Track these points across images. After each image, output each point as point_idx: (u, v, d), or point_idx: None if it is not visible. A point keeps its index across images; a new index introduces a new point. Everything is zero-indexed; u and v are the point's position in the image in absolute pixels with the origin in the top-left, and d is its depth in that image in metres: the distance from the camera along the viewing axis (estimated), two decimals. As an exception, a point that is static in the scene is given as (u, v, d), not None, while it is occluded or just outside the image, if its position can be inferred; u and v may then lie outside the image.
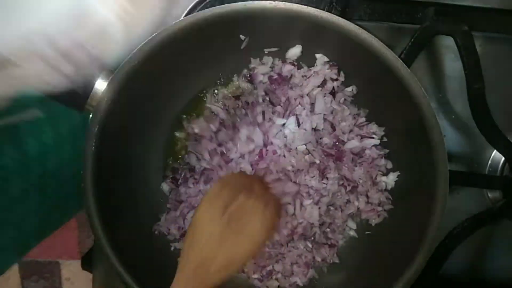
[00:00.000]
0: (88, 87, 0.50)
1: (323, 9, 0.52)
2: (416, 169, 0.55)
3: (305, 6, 0.50)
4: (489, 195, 0.63)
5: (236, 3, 0.51)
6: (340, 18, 0.50)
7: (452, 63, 0.60)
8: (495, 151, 0.61)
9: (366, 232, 0.61)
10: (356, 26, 0.50)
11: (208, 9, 0.51)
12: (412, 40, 0.54)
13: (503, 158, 0.60)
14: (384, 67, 0.50)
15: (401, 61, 0.49)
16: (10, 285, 1.59)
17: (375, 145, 0.58)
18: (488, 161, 0.62)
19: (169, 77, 0.57)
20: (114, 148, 0.55)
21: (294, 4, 0.50)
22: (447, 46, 0.59)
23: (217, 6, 0.51)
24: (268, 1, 0.50)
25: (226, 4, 0.51)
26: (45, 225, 0.71)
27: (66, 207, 0.75)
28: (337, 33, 0.50)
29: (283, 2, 0.50)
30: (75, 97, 0.50)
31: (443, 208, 0.50)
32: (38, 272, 1.58)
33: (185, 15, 0.58)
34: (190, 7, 0.58)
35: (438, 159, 0.50)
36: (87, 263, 0.67)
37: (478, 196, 0.63)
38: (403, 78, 0.49)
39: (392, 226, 0.58)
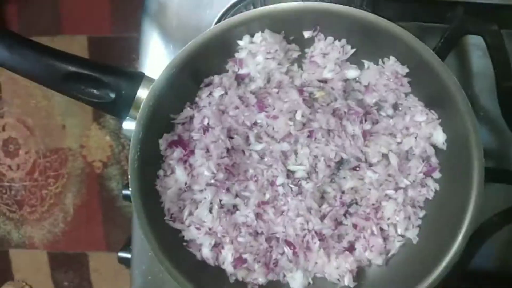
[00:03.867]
0: (130, 95, 0.52)
1: None
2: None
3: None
4: None
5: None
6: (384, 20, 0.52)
7: (479, 60, 0.61)
8: None
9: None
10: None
11: (243, 13, 0.54)
12: (442, 40, 0.55)
13: None
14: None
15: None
16: (41, 277, 1.65)
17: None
18: None
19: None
20: (156, 151, 0.58)
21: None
22: (474, 44, 0.60)
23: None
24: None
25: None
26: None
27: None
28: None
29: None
30: (119, 105, 0.53)
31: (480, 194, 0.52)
32: (67, 264, 1.63)
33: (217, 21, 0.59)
34: (222, 12, 0.60)
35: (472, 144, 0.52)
36: (125, 258, 0.71)
37: (507, 192, 0.63)
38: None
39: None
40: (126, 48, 1.42)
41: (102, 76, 0.52)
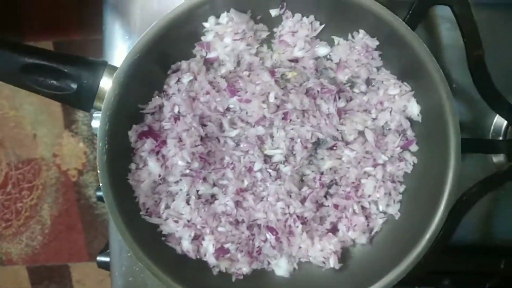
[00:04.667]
0: (93, 85, 0.50)
1: None
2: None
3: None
4: (494, 160, 0.63)
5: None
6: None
7: (449, 32, 0.60)
8: (497, 116, 0.61)
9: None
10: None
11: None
12: (410, 12, 0.55)
13: (505, 122, 0.61)
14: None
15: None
16: None
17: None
18: (491, 126, 0.63)
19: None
20: (125, 146, 0.56)
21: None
22: (443, 16, 0.59)
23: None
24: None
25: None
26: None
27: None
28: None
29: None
30: (81, 96, 0.51)
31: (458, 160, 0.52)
32: (48, 277, 1.59)
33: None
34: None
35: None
36: (104, 262, 0.68)
37: (484, 162, 0.63)
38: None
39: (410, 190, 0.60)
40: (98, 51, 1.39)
41: (62, 66, 0.49)
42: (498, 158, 0.63)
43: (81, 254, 1.55)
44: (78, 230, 1.55)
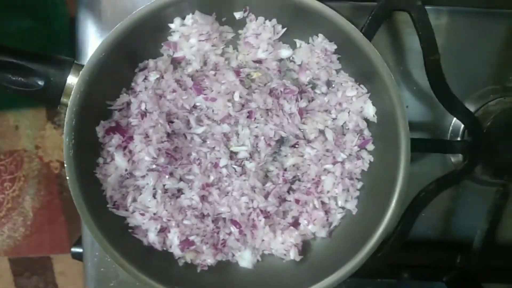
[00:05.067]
0: (60, 81, 0.52)
1: None
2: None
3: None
4: (452, 159, 0.67)
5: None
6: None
7: (410, 37, 0.63)
8: (455, 118, 0.64)
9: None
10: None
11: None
12: (370, 17, 0.57)
13: (462, 124, 0.64)
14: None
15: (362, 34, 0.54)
16: (3, 284, 1.60)
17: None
18: (450, 127, 0.66)
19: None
20: (94, 141, 0.58)
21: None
22: (405, 21, 0.62)
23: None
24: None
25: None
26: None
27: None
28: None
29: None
30: (48, 93, 0.52)
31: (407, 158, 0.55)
32: (30, 269, 1.59)
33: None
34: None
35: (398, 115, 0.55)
36: (77, 253, 0.71)
37: (442, 161, 0.67)
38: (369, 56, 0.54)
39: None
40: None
41: (29, 63, 0.51)
42: (456, 158, 0.66)
43: (63, 246, 1.55)
44: (60, 222, 1.55)
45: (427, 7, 0.57)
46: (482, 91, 0.65)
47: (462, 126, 0.64)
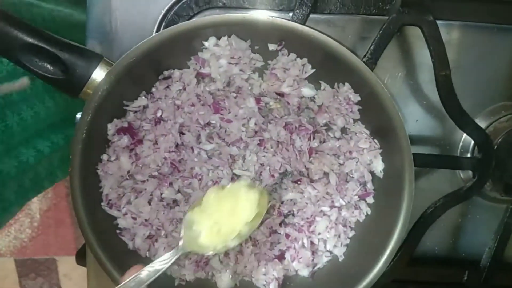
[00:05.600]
0: (85, 75, 0.53)
1: (294, 5, 0.57)
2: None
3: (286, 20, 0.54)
4: (462, 175, 0.66)
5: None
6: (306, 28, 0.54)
7: (421, 51, 0.62)
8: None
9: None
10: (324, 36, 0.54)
11: (206, 17, 0.55)
12: (380, 32, 0.56)
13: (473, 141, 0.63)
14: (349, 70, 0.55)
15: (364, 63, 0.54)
16: (8, 284, 1.60)
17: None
18: (460, 143, 0.65)
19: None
20: (102, 137, 0.59)
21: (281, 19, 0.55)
22: (416, 35, 0.61)
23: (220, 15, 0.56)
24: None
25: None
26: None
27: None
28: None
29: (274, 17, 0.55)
30: (71, 83, 0.53)
31: (411, 192, 0.55)
32: (35, 270, 1.59)
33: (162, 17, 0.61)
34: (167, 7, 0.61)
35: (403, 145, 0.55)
36: (81, 258, 0.68)
37: (452, 177, 0.66)
38: (374, 87, 0.55)
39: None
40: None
41: (60, 52, 0.51)
42: (465, 174, 0.66)
43: (69, 248, 1.56)
44: (66, 224, 1.56)
45: (438, 22, 0.56)
46: (493, 107, 0.65)
47: (473, 142, 0.63)
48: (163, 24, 0.60)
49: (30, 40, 0.51)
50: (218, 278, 0.61)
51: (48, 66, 0.52)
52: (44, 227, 1.58)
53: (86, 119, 0.54)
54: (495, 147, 0.62)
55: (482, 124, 0.62)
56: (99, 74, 0.53)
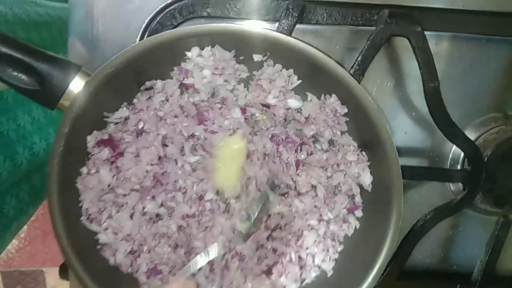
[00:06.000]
0: (61, 86, 0.51)
1: (280, 15, 0.56)
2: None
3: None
4: (452, 187, 0.65)
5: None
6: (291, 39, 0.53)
7: (409, 62, 0.62)
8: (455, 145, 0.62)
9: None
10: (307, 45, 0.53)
11: (188, 27, 0.54)
12: (368, 42, 0.55)
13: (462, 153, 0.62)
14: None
15: (350, 75, 0.54)
16: None
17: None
18: (449, 155, 0.65)
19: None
20: (81, 149, 0.57)
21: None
22: (404, 46, 0.60)
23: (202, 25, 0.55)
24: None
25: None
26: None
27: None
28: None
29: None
30: (47, 95, 0.51)
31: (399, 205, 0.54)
32: (22, 282, 1.57)
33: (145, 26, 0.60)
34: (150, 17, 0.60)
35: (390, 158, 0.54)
36: (65, 271, 0.66)
37: (442, 189, 0.65)
38: (358, 96, 0.54)
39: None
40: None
41: (35, 62, 0.49)
42: (455, 186, 0.65)
43: (57, 259, 1.52)
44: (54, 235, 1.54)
45: (426, 32, 0.55)
46: (483, 119, 0.64)
47: (462, 154, 0.63)
48: (147, 33, 0.59)
49: (3, 49, 0.49)
50: None
51: (23, 76, 0.50)
52: (31, 237, 1.55)
53: (63, 131, 0.52)
54: (485, 159, 0.61)
55: (472, 136, 0.62)
56: (77, 85, 0.51)
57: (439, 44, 0.62)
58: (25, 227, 1.51)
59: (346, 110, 0.58)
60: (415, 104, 0.63)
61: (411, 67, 0.61)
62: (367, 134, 0.56)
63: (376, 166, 0.58)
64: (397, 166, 0.53)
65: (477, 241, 0.66)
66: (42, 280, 1.57)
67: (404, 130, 0.63)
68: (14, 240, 1.52)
